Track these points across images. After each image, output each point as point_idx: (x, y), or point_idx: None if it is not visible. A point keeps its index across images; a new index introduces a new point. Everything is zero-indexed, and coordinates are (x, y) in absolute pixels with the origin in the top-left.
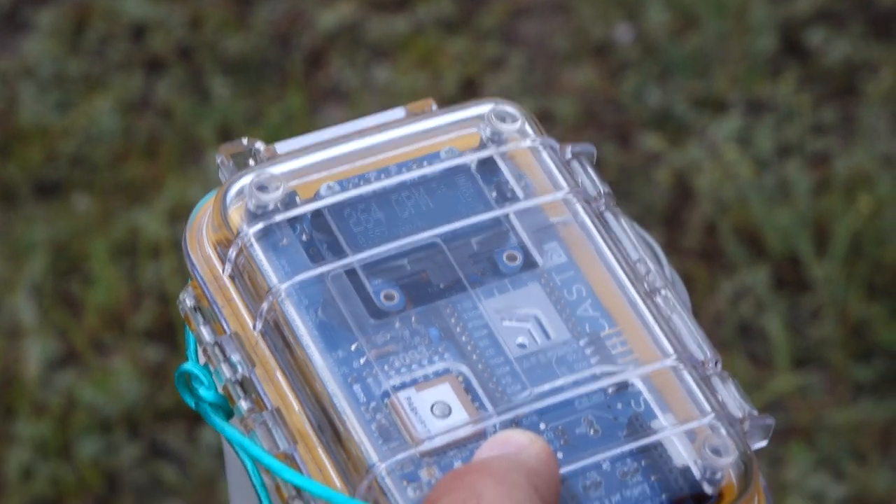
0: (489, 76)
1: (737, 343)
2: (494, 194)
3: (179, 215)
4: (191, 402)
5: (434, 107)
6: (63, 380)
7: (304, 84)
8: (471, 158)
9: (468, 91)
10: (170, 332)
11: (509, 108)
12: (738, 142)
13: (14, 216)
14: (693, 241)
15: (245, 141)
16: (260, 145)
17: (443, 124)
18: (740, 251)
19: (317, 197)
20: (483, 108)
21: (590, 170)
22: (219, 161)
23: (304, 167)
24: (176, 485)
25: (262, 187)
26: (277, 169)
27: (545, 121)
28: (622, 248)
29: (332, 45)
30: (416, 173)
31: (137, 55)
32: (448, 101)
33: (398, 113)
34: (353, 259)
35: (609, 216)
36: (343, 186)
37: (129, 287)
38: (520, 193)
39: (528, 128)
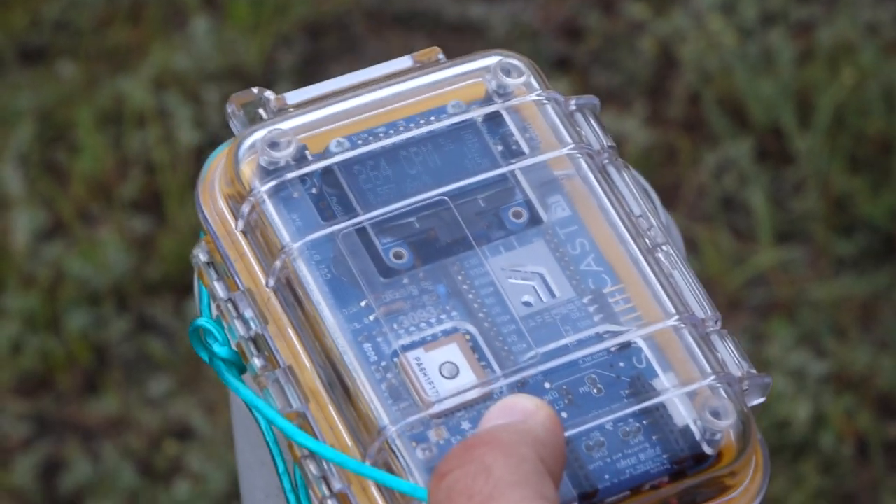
0: None
1: (720, 216)
2: (500, 148)
3: (164, 83)
4: (205, 357)
5: (440, 55)
6: (51, 251)
7: None
8: (477, 113)
9: None
10: (156, 203)
11: (515, 62)
12: (723, 10)
13: None
14: (677, 111)
15: (256, 90)
16: (270, 94)
17: (449, 76)
18: (724, 122)
19: (327, 153)
20: (489, 60)
21: (593, 122)
22: (229, 111)
23: (314, 121)
24: (163, 359)
25: (273, 143)
26: (287, 124)
27: None
28: (625, 202)
29: None
30: (423, 129)
31: None
32: None
33: (405, 62)
34: (364, 217)
35: (612, 170)
36: (353, 142)
37: (115, 156)
38: (525, 147)
39: (533, 81)
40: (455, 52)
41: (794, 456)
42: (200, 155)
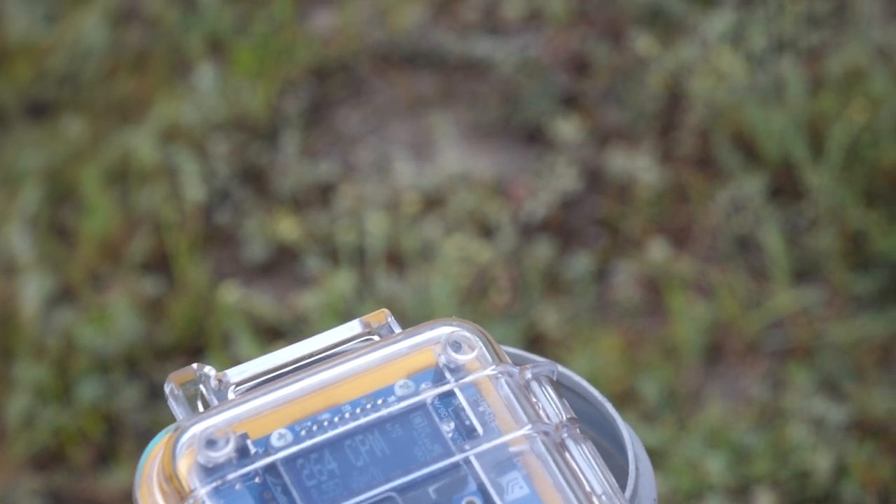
0: None
1: (735, 257)
2: (452, 426)
3: (171, 136)
4: None
5: (389, 317)
6: (61, 318)
7: None
8: (428, 395)
9: None
10: (165, 264)
11: (466, 334)
12: (731, 39)
13: (4, 140)
14: (687, 148)
15: (195, 367)
16: (210, 371)
17: (396, 351)
18: (735, 158)
19: (268, 446)
20: (438, 331)
21: (550, 392)
22: (167, 391)
23: (254, 409)
24: None
25: (211, 442)
26: (226, 415)
27: (535, 20)
28: (585, 480)
29: None
30: (370, 416)
31: None
32: (437, 2)
33: (354, 327)
34: None
35: (571, 444)
36: (295, 433)
37: (122, 215)
38: (478, 426)
39: (486, 353)
40: (462, 92)
41: None
42: (208, 211)
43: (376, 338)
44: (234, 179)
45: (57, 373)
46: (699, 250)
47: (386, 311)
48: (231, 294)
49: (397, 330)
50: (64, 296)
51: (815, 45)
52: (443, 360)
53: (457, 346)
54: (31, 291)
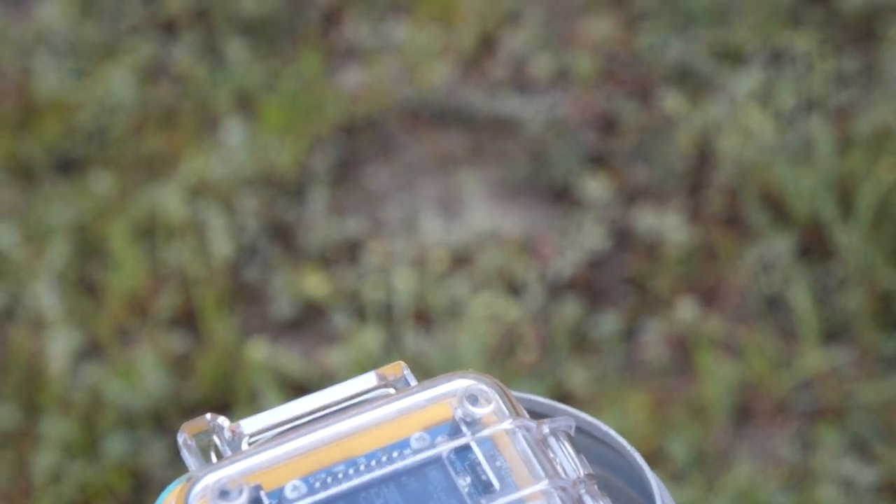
0: (506, 30)
1: (764, 316)
2: (468, 480)
3: (198, 191)
4: None
5: (406, 370)
6: (88, 374)
7: (320, 44)
8: (444, 448)
9: (485, 47)
10: (192, 320)
11: (483, 387)
12: (759, 97)
13: (33, 195)
14: (716, 206)
15: (209, 417)
16: (224, 422)
17: (412, 404)
18: (763, 217)
19: (282, 499)
20: (455, 384)
21: (568, 447)
22: (180, 441)
23: (268, 460)
24: None
25: (223, 493)
26: (240, 466)
27: (563, 78)
28: None
29: (347, 1)
30: (385, 469)
31: (152, 18)
32: (465, 59)
33: (369, 379)
34: None
35: (588, 499)
36: (309, 485)
37: (150, 271)
38: (494, 480)
39: (503, 406)
40: (490, 150)
41: None
42: (235, 267)
43: (392, 390)
44: (261, 235)
45: (84, 428)
46: (728, 309)
47: (402, 363)
48: (258, 350)
49: (413, 383)
50: (91, 351)
51: (844, 104)
52: (459, 413)
53: (473, 399)
54: (59, 347)
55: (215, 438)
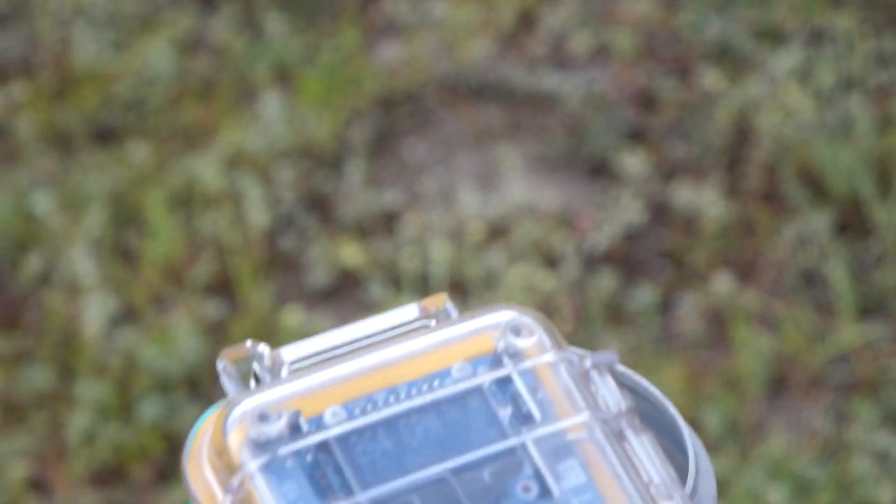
0: (546, 7)
1: (800, 291)
2: (509, 411)
3: (235, 162)
4: None
5: (448, 302)
6: (123, 338)
7: (359, 19)
8: (485, 379)
9: (525, 24)
10: (228, 287)
11: (527, 320)
12: (799, 76)
13: (70, 164)
14: (754, 183)
15: (249, 344)
16: (264, 350)
17: (455, 335)
18: (802, 194)
19: (322, 424)
20: (498, 317)
21: (610, 382)
22: (220, 367)
23: (309, 388)
24: None
25: (263, 416)
26: (280, 391)
27: (602, 55)
28: (644, 469)
29: None
30: (426, 398)
31: None
32: (504, 36)
33: (411, 311)
34: (361, 498)
35: (630, 434)
36: (349, 412)
37: (185, 239)
38: (536, 412)
39: (545, 339)
40: (528, 125)
41: None
42: (272, 237)
43: (433, 322)
44: (298, 206)
45: (119, 391)
46: (764, 284)
47: (444, 295)
48: (293, 318)
49: (455, 315)
50: (126, 316)
51: (884, 83)
52: (501, 345)
53: (516, 331)
54: (94, 312)
55: (255, 366)
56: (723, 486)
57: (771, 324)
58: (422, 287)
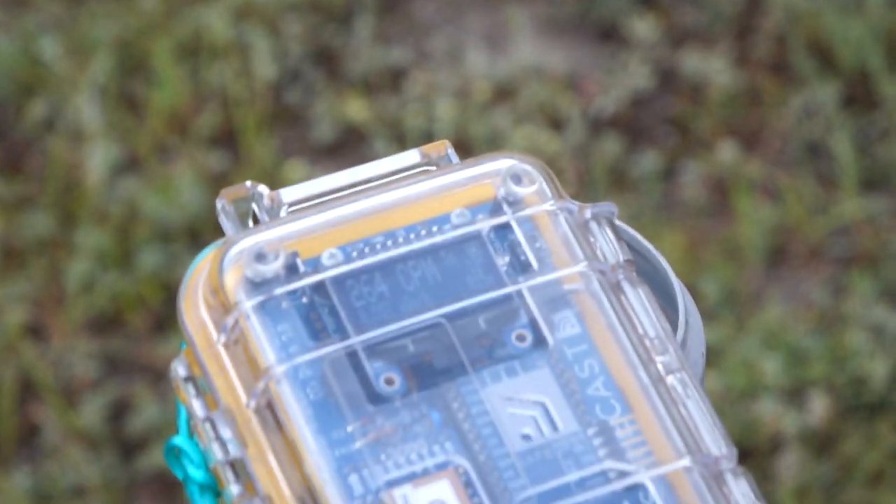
0: None
1: (804, 162)
2: (507, 259)
3: (244, 14)
4: (179, 475)
5: (449, 148)
6: (125, 187)
7: None
8: (484, 225)
9: None
10: (232, 140)
11: (527, 167)
12: None
13: (78, 10)
14: (762, 52)
15: (249, 185)
16: (263, 190)
17: (455, 181)
18: (810, 64)
19: (319, 266)
20: (499, 164)
21: (609, 233)
22: (219, 206)
23: (306, 228)
24: None
25: (260, 255)
26: (277, 231)
27: None
28: (639, 323)
29: None
30: (424, 242)
31: None
32: None
33: (412, 156)
34: (355, 341)
35: (627, 286)
36: (346, 254)
37: (191, 89)
38: (533, 260)
39: (546, 188)
40: None
41: (870, 414)
42: (278, 90)
43: (434, 168)
44: (305, 60)
45: (119, 240)
46: (769, 154)
47: (446, 141)
48: (296, 172)
49: (456, 161)
50: (130, 165)
51: None
52: (501, 192)
53: (517, 178)
54: (98, 159)
55: (254, 206)
56: (718, 355)
57: (773, 194)
58: (426, 144)
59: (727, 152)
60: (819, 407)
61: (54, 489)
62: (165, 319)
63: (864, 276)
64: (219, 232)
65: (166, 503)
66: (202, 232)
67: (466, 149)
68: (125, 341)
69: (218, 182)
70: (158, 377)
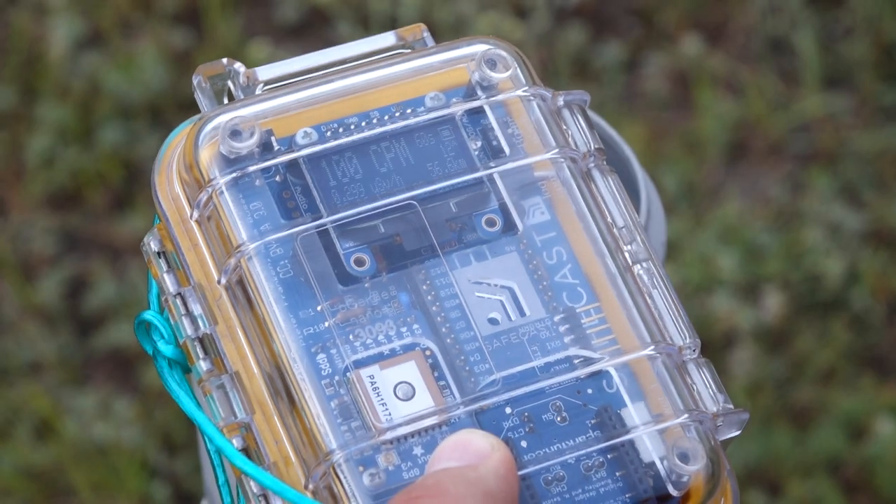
0: None
1: (767, 58)
2: (479, 144)
3: None
4: (148, 349)
5: (425, 32)
6: (88, 62)
7: None
8: (457, 109)
9: None
10: (196, 17)
11: (502, 52)
12: None
13: None
14: None
15: (225, 62)
16: (240, 67)
17: (429, 63)
18: None
19: (293, 144)
20: (474, 48)
21: (581, 121)
22: (195, 83)
23: (281, 106)
24: None
25: (235, 132)
26: (252, 109)
27: None
28: (608, 211)
29: None
30: (398, 124)
31: None
32: None
33: (388, 38)
34: (326, 220)
35: (597, 174)
36: (321, 133)
37: None
38: (505, 146)
39: (520, 74)
40: None
41: (824, 312)
42: None
43: (409, 51)
44: None
45: (80, 115)
46: (732, 48)
47: (423, 25)
48: (260, 52)
49: (432, 45)
50: (93, 40)
51: None
52: (476, 76)
53: (492, 63)
54: (61, 33)
55: (230, 83)
56: (675, 249)
57: (735, 89)
58: (390, 27)
59: (691, 45)
60: (774, 303)
61: (10, 364)
62: (125, 197)
63: (823, 173)
64: (181, 110)
65: (121, 381)
66: (164, 109)
67: (430, 33)
68: (84, 218)
69: (181, 60)
70: (116, 255)
